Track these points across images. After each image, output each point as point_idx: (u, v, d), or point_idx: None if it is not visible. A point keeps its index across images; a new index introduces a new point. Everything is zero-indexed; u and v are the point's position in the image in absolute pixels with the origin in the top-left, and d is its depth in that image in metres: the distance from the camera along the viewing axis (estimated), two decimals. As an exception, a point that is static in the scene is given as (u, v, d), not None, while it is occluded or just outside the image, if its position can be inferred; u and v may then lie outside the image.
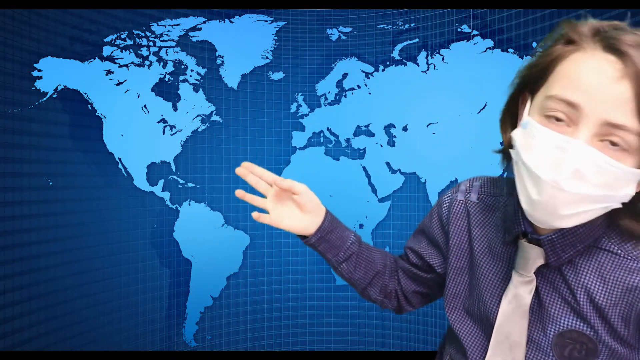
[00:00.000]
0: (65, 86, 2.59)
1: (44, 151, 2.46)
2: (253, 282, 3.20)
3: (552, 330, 0.76)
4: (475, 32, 2.97)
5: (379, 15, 3.21)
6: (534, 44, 2.76)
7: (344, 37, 3.25)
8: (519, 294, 0.78)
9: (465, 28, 3.00)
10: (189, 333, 3.08)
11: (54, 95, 2.54)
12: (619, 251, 0.74)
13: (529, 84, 0.74)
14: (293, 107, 3.26)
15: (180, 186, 3.02)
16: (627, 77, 0.62)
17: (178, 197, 3.01)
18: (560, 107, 0.65)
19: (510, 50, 2.84)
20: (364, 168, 3.25)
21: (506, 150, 0.81)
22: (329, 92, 3.25)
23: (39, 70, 2.48)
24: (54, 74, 2.54)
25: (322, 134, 3.26)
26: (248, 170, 1.05)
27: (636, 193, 0.68)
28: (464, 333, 0.87)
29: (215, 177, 3.10)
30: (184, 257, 3.04)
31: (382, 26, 3.22)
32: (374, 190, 3.23)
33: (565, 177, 0.63)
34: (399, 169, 3.20)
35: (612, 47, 0.64)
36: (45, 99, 2.50)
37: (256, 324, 3.21)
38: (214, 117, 3.10)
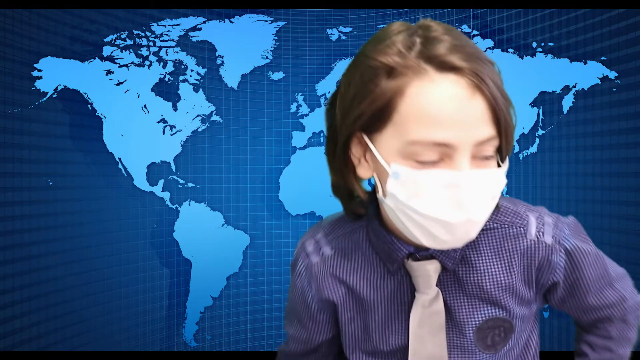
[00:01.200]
0: (65, 86, 2.59)
1: (44, 151, 2.46)
2: (253, 282, 3.20)
3: (469, 329, 0.76)
4: (475, 32, 2.97)
5: (379, 15, 3.22)
6: (534, 44, 2.76)
7: (344, 37, 3.25)
8: (432, 312, 0.76)
9: (465, 28, 3.00)
10: (189, 333, 3.08)
11: (54, 95, 2.54)
12: (495, 224, 0.75)
13: (364, 125, 0.67)
14: (293, 107, 3.26)
15: (180, 186, 3.02)
16: (477, 90, 0.60)
17: (178, 197, 3.01)
18: (431, 150, 0.62)
19: (510, 50, 2.84)
20: (364, 168, 3.24)
21: (361, 200, 0.77)
22: (329, 92, 3.24)
23: (39, 70, 2.48)
24: (54, 74, 2.54)
25: (322, 134, 3.26)
26: None
27: None
28: None
29: (215, 177, 3.10)
30: (184, 257, 3.04)
31: (382, 26, 3.22)
32: (374, 190, 3.23)
33: (473, 211, 0.62)
34: (399, 169, 3.20)
35: (445, 66, 0.61)
36: (45, 99, 2.50)
37: (256, 324, 3.21)
38: (214, 117, 3.10)
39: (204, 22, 3.07)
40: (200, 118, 3.06)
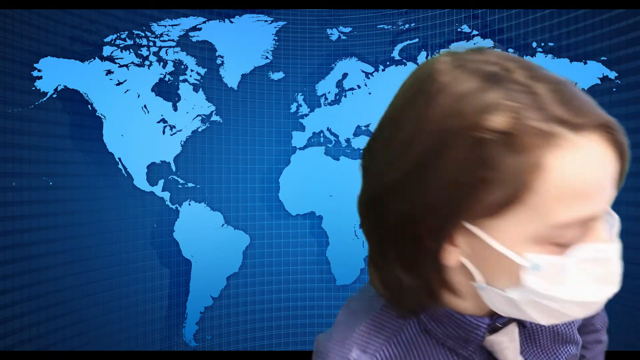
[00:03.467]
0: (65, 86, 2.59)
1: (44, 151, 2.46)
2: (253, 282, 3.20)
3: None
4: (475, 32, 2.97)
5: (379, 15, 3.21)
6: (534, 44, 2.76)
7: (344, 37, 3.25)
8: None
9: (465, 28, 3.00)
10: (189, 333, 3.08)
11: (54, 95, 2.54)
12: None
13: (473, 214, 0.51)
14: (293, 107, 3.26)
15: (180, 186, 3.02)
16: (611, 144, 0.50)
17: (178, 197, 3.01)
18: (578, 230, 0.51)
19: (510, 50, 2.84)
20: (364, 168, 3.24)
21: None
22: (329, 92, 3.25)
23: (39, 70, 2.48)
24: (54, 74, 2.54)
25: (322, 134, 3.26)
26: None
27: None
28: None
29: (215, 177, 3.10)
30: (184, 257, 3.04)
31: (382, 26, 3.22)
32: (374, 190, 3.23)
33: (619, 284, 0.53)
34: (399, 169, 3.20)
35: (577, 125, 0.48)
36: (45, 99, 2.50)
37: (256, 324, 3.21)
38: (214, 117, 3.10)
39: (204, 22, 3.07)
40: (200, 118, 3.06)
